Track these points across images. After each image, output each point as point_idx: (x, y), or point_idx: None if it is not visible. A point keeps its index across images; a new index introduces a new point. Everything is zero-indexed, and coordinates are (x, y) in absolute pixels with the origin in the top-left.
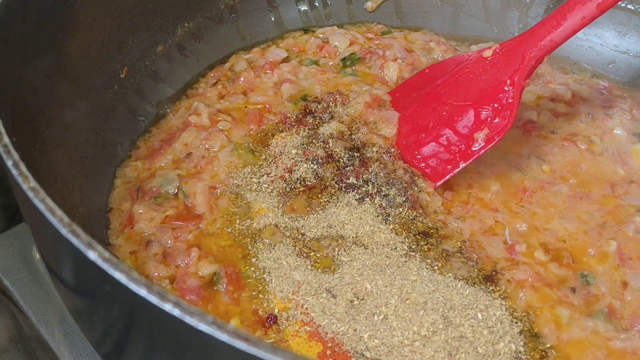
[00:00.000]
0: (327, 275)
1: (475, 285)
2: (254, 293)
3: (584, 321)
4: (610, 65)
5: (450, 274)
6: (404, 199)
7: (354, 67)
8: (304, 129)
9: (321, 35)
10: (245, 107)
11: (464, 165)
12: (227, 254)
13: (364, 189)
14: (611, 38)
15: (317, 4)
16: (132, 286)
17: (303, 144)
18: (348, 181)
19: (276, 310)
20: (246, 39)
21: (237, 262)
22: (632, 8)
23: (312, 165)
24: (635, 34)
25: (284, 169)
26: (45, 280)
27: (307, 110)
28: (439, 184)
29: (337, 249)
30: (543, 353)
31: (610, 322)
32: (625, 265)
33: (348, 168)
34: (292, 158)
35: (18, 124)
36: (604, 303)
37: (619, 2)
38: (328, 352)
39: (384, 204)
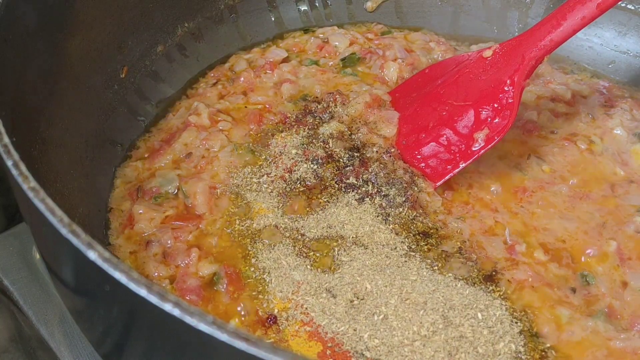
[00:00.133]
0: (327, 275)
1: (475, 285)
2: (253, 293)
3: (584, 321)
4: (610, 65)
5: (450, 274)
6: (404, 199)
7: (354, 67)
8: (304, 129)
9: (321, 35)
10: (245, 107)
11: (464, 165)
12: (227, 254)
13: (364, 189)
14: (611, 38)
15: (317, 4)
16: (132, 286)
17: (303, 144)
18: (348, 181)
19: (276, 310)
20: (246, 39)
21: (237, 262)
22: (632, 8)
23: (312, 165)
24: (635, 34)
25: (284, 169)
26: (45, 280)
27: (307, 110)
28: (439, 184)
29: (337, 249)
30: (543, 353)
31: (610, 322)
32: (625, 265)
33: (348, 168)
34: (292, 158)
35: (18, 124)
36: (604, 303)
37: (619, 2)
38: (328, 352)
39: (384, 204)
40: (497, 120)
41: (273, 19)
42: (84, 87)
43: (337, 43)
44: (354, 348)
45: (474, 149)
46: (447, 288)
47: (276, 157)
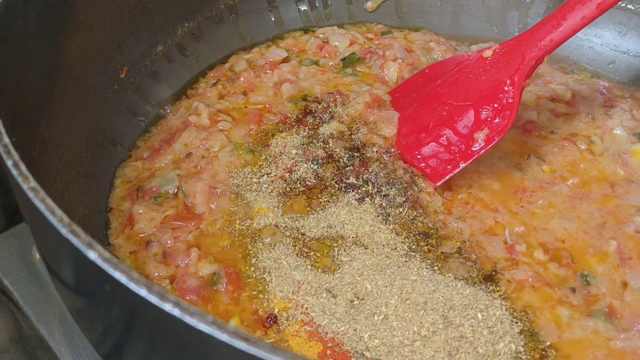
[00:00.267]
0: (327, 275)
1: (475, 285)
2: (254, 293)
3: (584, 321)
4: (610, 65)
5: (450, 274)
6: (404, 199)
7: (354, 67)
8: (304, 129)
9: (321, 35)
10: (245, 107)
11: (464, 165)
12: (227, 254)
13: (364, 189)
14: (611, 38)
15: (317, 4)
16: (132, 286)
17: (303, 144)
18: (348, 181)
19: (276, 310)
20: (246, 39)
21: (237, 262)
22: (632, 8)
23: (312, 165)
24: (635, 34)
25: (284, 169)
26: (45, 280)
27: (307, 110)
28: (439, 184)
29: (337, 249)
30: (543, 353)
31: (610, 322)
32: (625, 265)
33: (348, 168)
34: (292, 158)
35: (18, 124)
36: (604, 303)
37: (619, 2)
38: (328, 352)
39: (384, 204)
40: (497, 120)
41: (273, 19)
42: (84, 87)
43: (337, 43)
44: (354, 348)
45: (474, 149)
46: (447, 288)
47: (276, 157)
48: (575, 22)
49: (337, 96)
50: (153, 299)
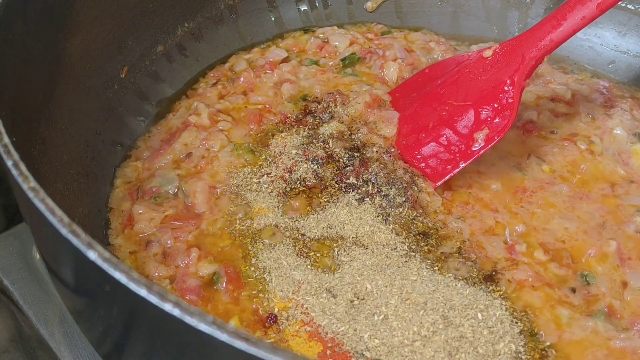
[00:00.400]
0: (327, 275)
1: (475, 285)
2: (254, 292)
3: (584, 321)
4: (610, 65)
5: (450, 274)
6: (404, 199)
7: (354, 67)
8: (304, 129)
9: (321, 35)
10: (245, 107)
11: (464, 165)
12: (227, 254)
13: (364, 189)
14: (611, 38)
15: (317, 4)
16: (132, 286)
17: (303, 144)
18: (348, 181)
19: (276, 310)
20: (246, 39)
21: (237, 262)
22: (632, 8)
23: (312, 165)
24: (635, 34)
25: (284, 169)
26: (45, 280)
27: (307, 110)
28: (439, 184)
29: (337, 249)
30: (543, 352)
31: (610, 322)
32: (625, 265)
33: (348, 168)
34: (292, 158)
35: (18, 124)
36: (604, 303)
37: (619, 2)
38: (328, 352)
39: (384, 204)
40: (497, 120)
41: (273, 19)
42: (84, 87)
43: (337, 43)
44: (354, 348)
45: (474, 149)
46: (447, 288)
47: (276, 157)
48: (575, 22)
49: (337, 96)
50: (153, 299)
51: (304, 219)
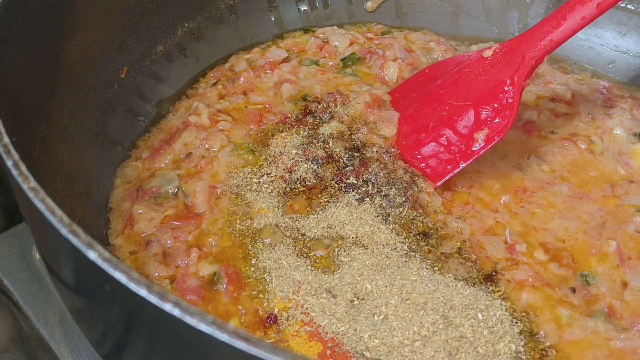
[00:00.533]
0: (327, 275)
1: (476, 285)
2: (254, 293)
3: (584, 321)
4: (610, 65)
5: (450, 274)
6: (404, 199)
7: (354, 67)
8: (304, 129)
9: (321, 35)
10: (245, 107)
11: (464, 165)
12: (227, 254)
13: (364, 189)
14: (611, 38)
15: (317, 4)
16: (132, 286)
17: (303, 144)
18: (348, 181)
19: (276, 310)
20: (246, 39)
21: (237, 262)
22: (632, 8)
23: (312, 165)
24: (635, 34)
25: (284, 169)
26: (45, 280)
27: (307, 110)
28: (439, 184)
29: (337, 249)
30: (543, 352)
31: (610, 322)
32: (625, 265)
33: (348, 168)
34: (292, 158)
35: (18, 124)
36: (604, 303)
37: (619, 2)
38: (328, 352)
39: (384, 204)
40: (497, 120)
41: (273, 19)
42: (84, 87)
43: (337, 43)
44: (354, 348)
45: (474, 149)
46: (447, 288)
47: (276, 157)
48: (575, 22)
49: (337, 96)
50: (153, 299)
51: (304, 219)
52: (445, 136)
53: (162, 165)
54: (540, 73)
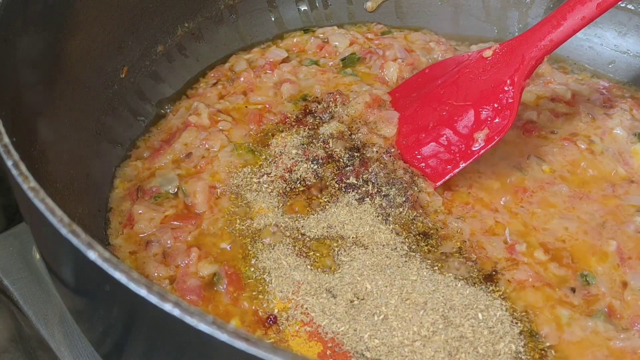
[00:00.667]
0: (327, 275)
1: (476, 285)
2: (254, 293)
3: (584, 321)
4: (610, 65)
5: (450, 274)
6: (404, 199)
7: (354, 67)
8: (304, 129)
9: (321, 35)
10: (245, 107)
11: (464, 165)
12: (227, 254)
13: (364, 189)
14: (611, 38)
15: (317, 4)
16: (132, 286)
17: (303, 144)
18: (348, 181)
19: (276, 310)
20: (246, 39)
21: (237, 262)
22: (632, 8)
23: (312, 165)
24: (635, 34)
25: (284, 169)
26: (45, 280)
27: (307, 110)
28: (439, 184)
29: (337, 249)
30: (543, 352)
31: (610, 322)
32: (625, 265)
33: (348, 168)
34: (292, 158)
35: (18, 124)
36: (604, 303)
37: (619, 2)
38: (328, 352)
39: (384, 204)
40: (497, 120)
41: (273, 19)
42: (84, 87)
43: (337, 43)
44: (354, 348)
45: (474, 149)
46: (447, 288)
47: (276, 157)
48: (575, 22)
49: (337, 96)
50: (153, 299)
51: (304, 219)
52: (445, 136)
53: (162, 165)
54: (540, 73)
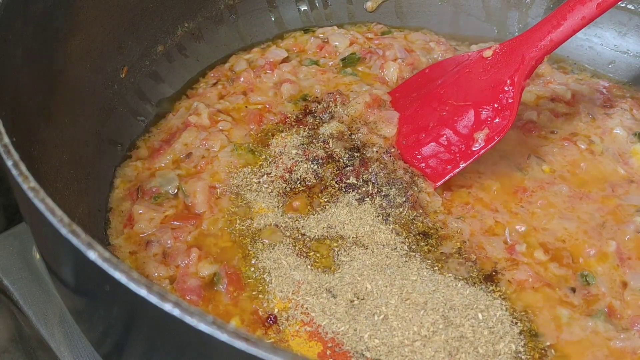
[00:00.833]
0: (327, 275)
1: (476, 285)
2: (254, 293)
3: (584, 321)
4: (610, 65)
5: (450, 274)
6: (404, 199)
7: (354, 67)
8: (304, 129)
9: (321, 35)
10: (245, 107)
11: (464, 165)
12: (227, 254)
13: (364, 189)
14: (611, 38)
15: (317, 4)
16: (132, 286)
17: (303, 144)
18: (348, 181)
19: (276, 310)
20: (246, 39)
21: (237, 262)
22: (632, 8)
23: (312, 165)
24: (635, 34)
25: (284, 169)
26: (45, 280)
27: (307, 110)
28: (439, 184)
29: (337, 249)
30: (543, 352)
31: (610, 322)
32: (625, 265)
33: (348, 168)
34: (292, 158)
35: (18, 124)
36: (604, 303)
37: (619, 2)
38: (328, 352)
39: (384, 204)
40: (497, 120)
41: (273, 19)
42: (84, 87)
43: (337, 43)
44: (354, 348)
45: (474, 149)
46: (447, 288)
47: (276, 157)
48: (575, 22)
49: (337, 96)
50: (153, 299)
51: (304, 219)
52: (445, 136)
53: (162, 165)
54: (540, 73)
